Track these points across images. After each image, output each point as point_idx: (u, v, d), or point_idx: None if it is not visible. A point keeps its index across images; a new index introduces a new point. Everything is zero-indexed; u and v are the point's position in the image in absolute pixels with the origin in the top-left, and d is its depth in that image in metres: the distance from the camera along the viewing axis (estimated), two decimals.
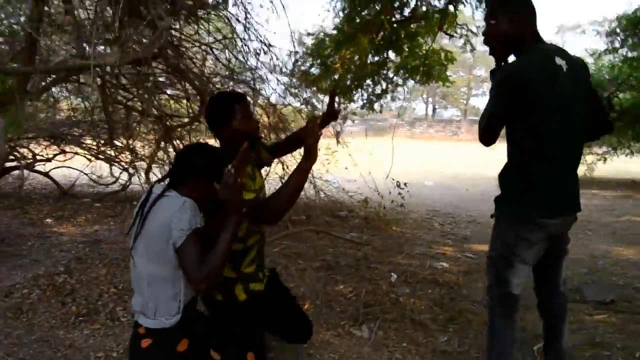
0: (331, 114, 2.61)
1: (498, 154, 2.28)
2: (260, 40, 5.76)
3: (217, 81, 5.88)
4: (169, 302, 1.97)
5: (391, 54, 7.31)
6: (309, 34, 7.64)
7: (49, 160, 8.28)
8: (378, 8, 6.35)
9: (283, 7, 5.49)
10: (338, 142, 6.94)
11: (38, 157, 8.07)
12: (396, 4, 6.49)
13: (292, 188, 2.07)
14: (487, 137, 2.09)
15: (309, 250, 5.17)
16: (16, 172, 7.73)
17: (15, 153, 7.90)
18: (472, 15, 6.84)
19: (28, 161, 7.90)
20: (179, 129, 6.73)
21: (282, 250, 5.08)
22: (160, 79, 6.30)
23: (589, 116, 2.13)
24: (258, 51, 5.94)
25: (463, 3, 6.36)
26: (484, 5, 5.83)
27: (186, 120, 6.54)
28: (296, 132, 2.74)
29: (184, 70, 4.55)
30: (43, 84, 4.61)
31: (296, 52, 6.66)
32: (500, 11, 2.09)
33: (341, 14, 6.99)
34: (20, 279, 3.93)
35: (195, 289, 1.93)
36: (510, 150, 2.10)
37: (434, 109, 52.80)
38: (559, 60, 1.99)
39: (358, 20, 6.76)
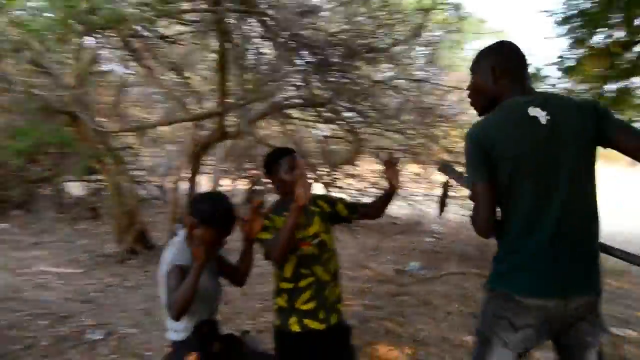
0: (391, 190, 2.53)
1: None
2: None
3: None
4: (176, 322, 2.30)
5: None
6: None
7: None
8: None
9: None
10: None
11: None
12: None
13: (283, 236, 2.25)
14: (476, 217, 1.78)
15: (476, 293, 4.86)
16: None
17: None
18: None
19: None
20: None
21: (449, 289, 4.90)
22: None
23: (630, 153, 1.70)
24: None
25: None
26: None
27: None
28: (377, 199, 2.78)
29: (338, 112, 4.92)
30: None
31: None
32: (480, 64, 1.89)
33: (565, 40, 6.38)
34: None
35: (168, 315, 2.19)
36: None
37: None
38: (534, 111, 1.68)
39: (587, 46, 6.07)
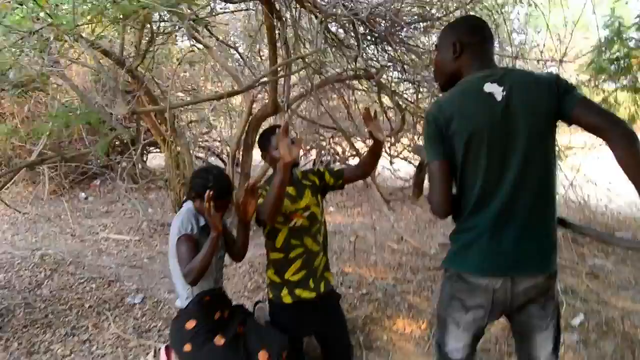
0: (376, 144, 2.56)
1: None
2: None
3: None
4: (181, 290, 2.52)
5: None
6: (606, 26, 6.60)
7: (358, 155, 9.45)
8: None
9: None
10: None
11: (347, 153, 9.35)
12: None
13: (271, 196, 2.30)
14: (434, 198, 1.76)
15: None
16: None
17: (332, 149, 9.45)
18: None
19: (341, 155, 9.37)
20: None
21: None
22: None
23: (592, 130, 1.61)
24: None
25: None
26: None
27: None
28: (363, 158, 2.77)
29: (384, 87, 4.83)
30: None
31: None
32: (443, 39, 1.86)
33: None
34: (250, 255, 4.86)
35: (185, 281, 2.37)
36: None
37: None
38: (490, 87, 1.64)
39: None
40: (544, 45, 6.25)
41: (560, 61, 5.81)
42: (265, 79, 4.48)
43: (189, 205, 2.56)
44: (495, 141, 1.63)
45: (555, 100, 1.62)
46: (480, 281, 1.69)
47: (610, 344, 3.21)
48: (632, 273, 4.63)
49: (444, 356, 1.85)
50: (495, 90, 1.64)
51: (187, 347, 2.44)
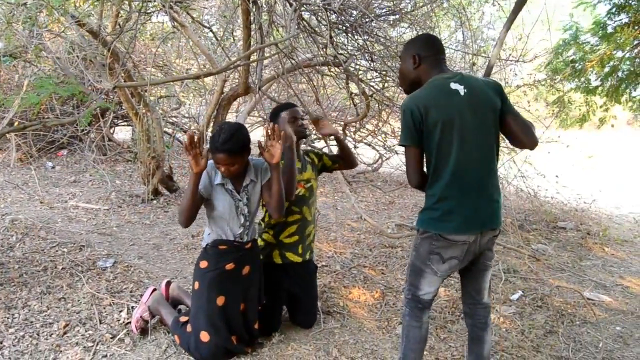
0: (337, 140, 3.12)
1: None
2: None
3: None
4: (205, 231, 2.76)
5: None
6: (564, 30, 7.00)
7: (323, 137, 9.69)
8: None
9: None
10: None
11: (314, 135, 9.59)
12: None
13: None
14: (410, 173, 2.21)
15: None
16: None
17: None
18: None
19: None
20: None
21: None
22: None
23: (509, 133, 2.24)
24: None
25: None
26: None
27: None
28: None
29: (351, 74, 5.10)
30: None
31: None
32: (405, 53, 2.29)
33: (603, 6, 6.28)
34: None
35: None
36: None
37: None
38: (454, 85, 2.12)
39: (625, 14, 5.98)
40: (505, 44, 6.60)
41: (518, 60, 6.19)
42: (239, 62, 4.67)
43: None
44: (463, 127, 2.08)
45: (499, 102, 2.16)
46: (459, 238, 2.12)
47: (542, 316, 3.59)
48: (570, 258, 5.08)
49: (417, 298, 2.29)
50: (459, 87, 2.11)
51: (196, 285, 2.71)
